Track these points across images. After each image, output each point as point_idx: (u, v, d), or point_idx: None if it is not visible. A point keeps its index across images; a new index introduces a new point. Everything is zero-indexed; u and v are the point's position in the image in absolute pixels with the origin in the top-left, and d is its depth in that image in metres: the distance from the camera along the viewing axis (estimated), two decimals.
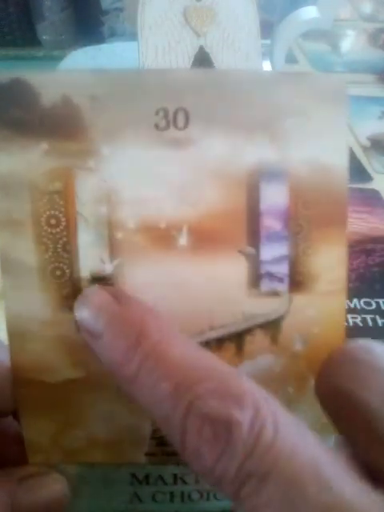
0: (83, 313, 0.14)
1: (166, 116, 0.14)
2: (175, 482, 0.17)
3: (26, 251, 0.15)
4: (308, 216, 0.15)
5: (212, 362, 0.13)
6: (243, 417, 0.11)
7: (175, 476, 0.17)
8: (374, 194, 0.46)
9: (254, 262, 0.15)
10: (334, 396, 0.13)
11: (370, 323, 0.35)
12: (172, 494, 0.17)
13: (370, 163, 0.50)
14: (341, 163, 0.15)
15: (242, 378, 0.12)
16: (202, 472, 0.12)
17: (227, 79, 0.14)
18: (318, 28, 0.52)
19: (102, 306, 0.14)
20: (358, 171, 0.48)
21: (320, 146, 0.15)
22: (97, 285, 0.15)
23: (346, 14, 0.78)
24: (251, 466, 0.11)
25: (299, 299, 0.15)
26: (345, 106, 0.15)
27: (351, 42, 0.74)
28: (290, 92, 0.14)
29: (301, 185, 0.15)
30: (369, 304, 0.36)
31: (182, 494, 0.17)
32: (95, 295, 0.14)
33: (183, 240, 0.15)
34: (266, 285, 0.15)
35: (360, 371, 0.13)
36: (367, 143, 0.52)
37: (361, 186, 0.46)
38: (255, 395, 0.12)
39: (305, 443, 0.11)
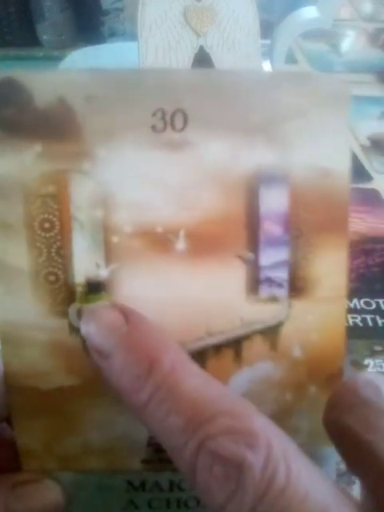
0: (91, 329, 0.14)
1: (163, 117, 0.14)
2: (171, 489, 0.16)
3: (19, 255, 0.14)
4: (308, 220, 0.15)
5: (224, 395, 0.12)
6: (256, 459, 0.11)
7: (171, 483, 0.16)
8: (374, 193, 0.46)
9: (253, 267, 0.15)
10: (342, 435, 0.13)
11: (370, 323, 0.35)
12: (168, 501, 0.17)
13: (370, 163, 0.50)
14: (343, 167, 0.14)
15: (254, 414, 0.12)
16: (213, 508, 0.12)
17: (226, 80, 0.14)
18: (318, 28, 0.52)
19: (112, 326, 0.13)
20: (358, 171, 0.48)
21: (321, 149, 0.14)
22: (106, 301, 0.14)
23: (346, 14, 0.77)
24: (263, 510, 0.11)
25: (299, 305, 0.15)
26: (347, 108, 0.14)
27: (351, 42, 0.73)
28: (290, 93, 0.14)
29: (301, 189, 0.14)
30: (369, 304, 0.36)
31: (179, 501, 0.17)
32: (105, 312, 0.14)
33: (180, 245, 0.15)
34: (264, 290, 0.15)
35: (368, 413, 0.12)
36: (367, 143, 0.52)
37: (361, 186, 0.46)
38: (268, 434, 0.12)
39: (316, 487, 0.11)
